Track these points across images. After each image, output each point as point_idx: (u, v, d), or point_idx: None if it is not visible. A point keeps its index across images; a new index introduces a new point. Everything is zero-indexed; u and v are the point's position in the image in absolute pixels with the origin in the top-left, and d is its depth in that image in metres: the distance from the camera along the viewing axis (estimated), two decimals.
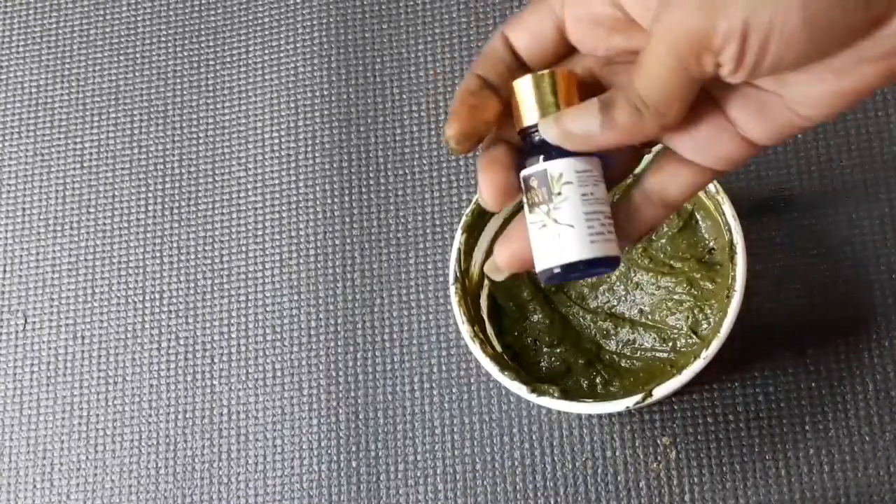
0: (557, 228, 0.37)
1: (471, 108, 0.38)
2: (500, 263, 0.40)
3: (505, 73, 0.39)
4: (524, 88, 0.37)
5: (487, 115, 0.38)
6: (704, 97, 0.36)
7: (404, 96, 0.67)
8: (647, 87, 0.35)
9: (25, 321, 0.67)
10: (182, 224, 0.67)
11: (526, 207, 0.38)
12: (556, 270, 0.37)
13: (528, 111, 0.37)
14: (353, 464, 0.61)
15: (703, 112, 0.37)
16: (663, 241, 0.59)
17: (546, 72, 0.37)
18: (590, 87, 0.39)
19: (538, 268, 0.38)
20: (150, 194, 0.68)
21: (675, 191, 0.39)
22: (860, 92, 0.35)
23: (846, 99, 0.35)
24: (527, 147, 0.38)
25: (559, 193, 0.37)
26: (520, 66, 0.39)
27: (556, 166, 0.37)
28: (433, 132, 0.66)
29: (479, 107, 0.38)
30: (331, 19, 0.70)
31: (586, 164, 0.37)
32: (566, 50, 0.39)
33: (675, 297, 0.58)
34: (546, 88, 0.37)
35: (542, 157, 0.37)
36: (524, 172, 0.38)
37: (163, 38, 0.71)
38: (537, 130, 0.37)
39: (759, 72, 0.34)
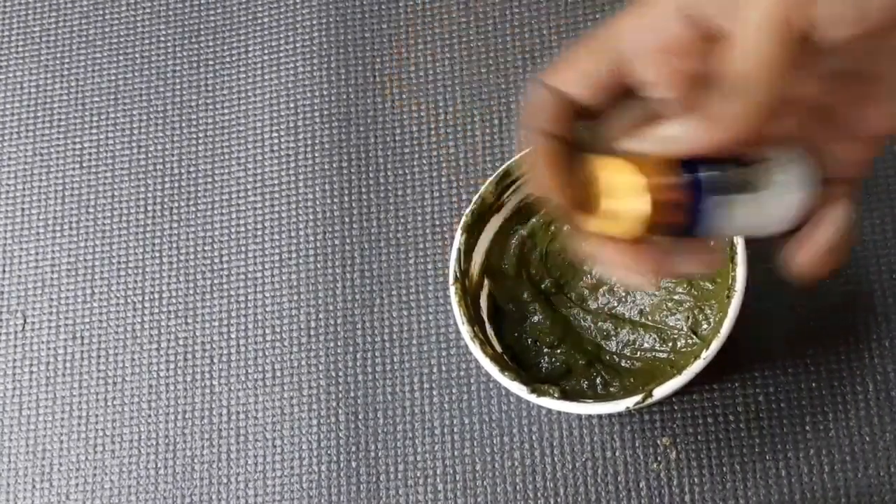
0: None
1: (573, 188, 0.36)
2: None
3: (571, 124, 0.36)
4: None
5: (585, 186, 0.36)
6: None
7: (404, 96, 0.67)
8: (744, 59, 0.32)
9: (24, 321, 0.67)
10: (182, 224, 0.67)
11: None
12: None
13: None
14: (353, 464, 0.61)
15: None
16: None
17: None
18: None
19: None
20: (149, 194, 0.68)
21: None
22: None
23: None
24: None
25: None
26: (579, 111, 0.36)
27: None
28: (433, 132, 0.66)
29: (575, 184, 0.36)
30: (331, 19, 0.69)
31: None
32: (622, 91, 0.36)
33: (675, 297, 0.58)
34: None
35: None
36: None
37: (162, 38, 0.71)
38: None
39: (868, 19, 0.32)
